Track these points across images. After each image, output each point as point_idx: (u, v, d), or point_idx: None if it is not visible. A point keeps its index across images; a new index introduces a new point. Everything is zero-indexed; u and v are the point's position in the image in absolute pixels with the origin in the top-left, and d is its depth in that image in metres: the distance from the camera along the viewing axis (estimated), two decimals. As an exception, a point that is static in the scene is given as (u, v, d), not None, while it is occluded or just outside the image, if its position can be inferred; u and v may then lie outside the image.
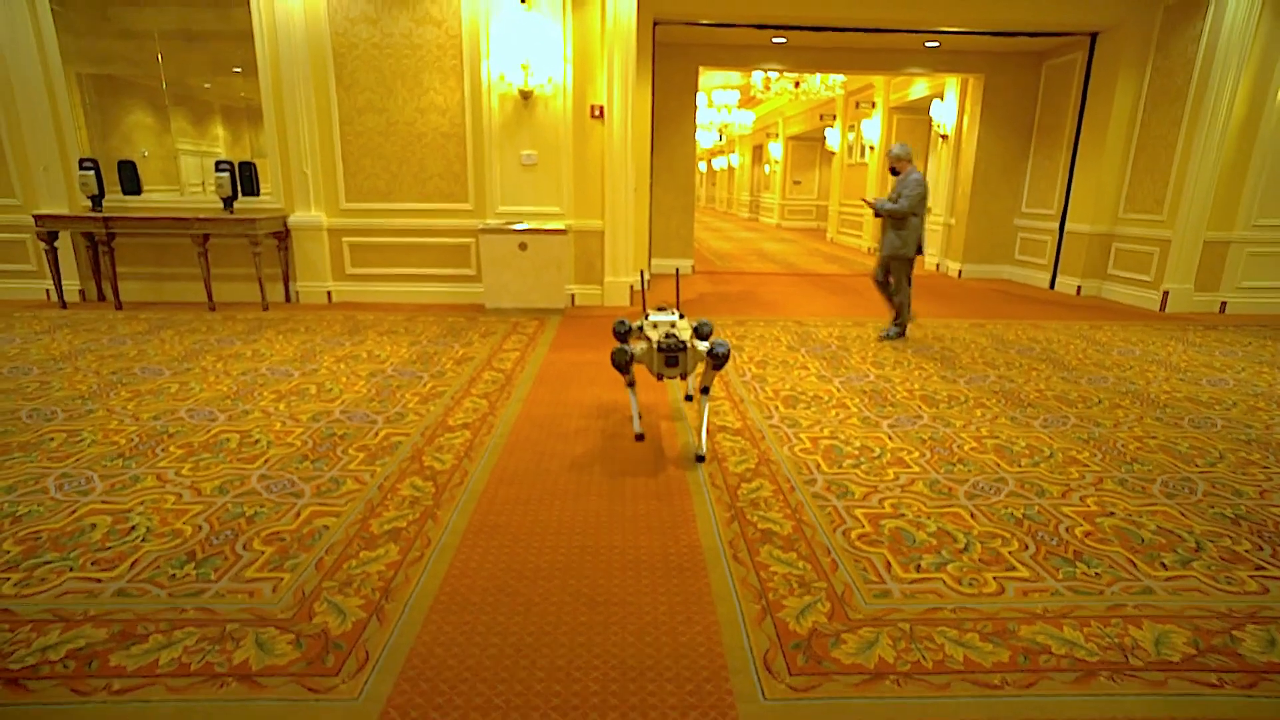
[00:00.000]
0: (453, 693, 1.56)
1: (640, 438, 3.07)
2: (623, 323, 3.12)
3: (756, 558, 2.13)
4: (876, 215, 5.02)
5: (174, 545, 2.16)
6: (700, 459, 2.84)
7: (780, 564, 2.10)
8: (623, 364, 2.82)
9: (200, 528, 2.26)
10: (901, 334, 5.24)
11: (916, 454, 2.95)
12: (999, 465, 2.86)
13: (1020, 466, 2.85)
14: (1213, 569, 2.11)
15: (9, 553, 2.11)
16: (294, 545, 2.16)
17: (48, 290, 6.04)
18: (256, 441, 2.99)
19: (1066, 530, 2.33)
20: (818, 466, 2.81)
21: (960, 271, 8.83)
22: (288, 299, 6.29)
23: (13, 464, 2.75)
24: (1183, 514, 2.47)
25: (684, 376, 2.91)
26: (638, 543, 2.22)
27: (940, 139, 9.48)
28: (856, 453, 2.96)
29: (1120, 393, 3.93)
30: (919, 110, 10.48)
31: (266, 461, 2.79)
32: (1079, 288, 7.49)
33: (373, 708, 1.51)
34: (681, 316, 3.22)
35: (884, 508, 2.46)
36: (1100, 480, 2.74)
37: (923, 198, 4.88)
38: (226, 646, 1.70)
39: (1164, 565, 2.13)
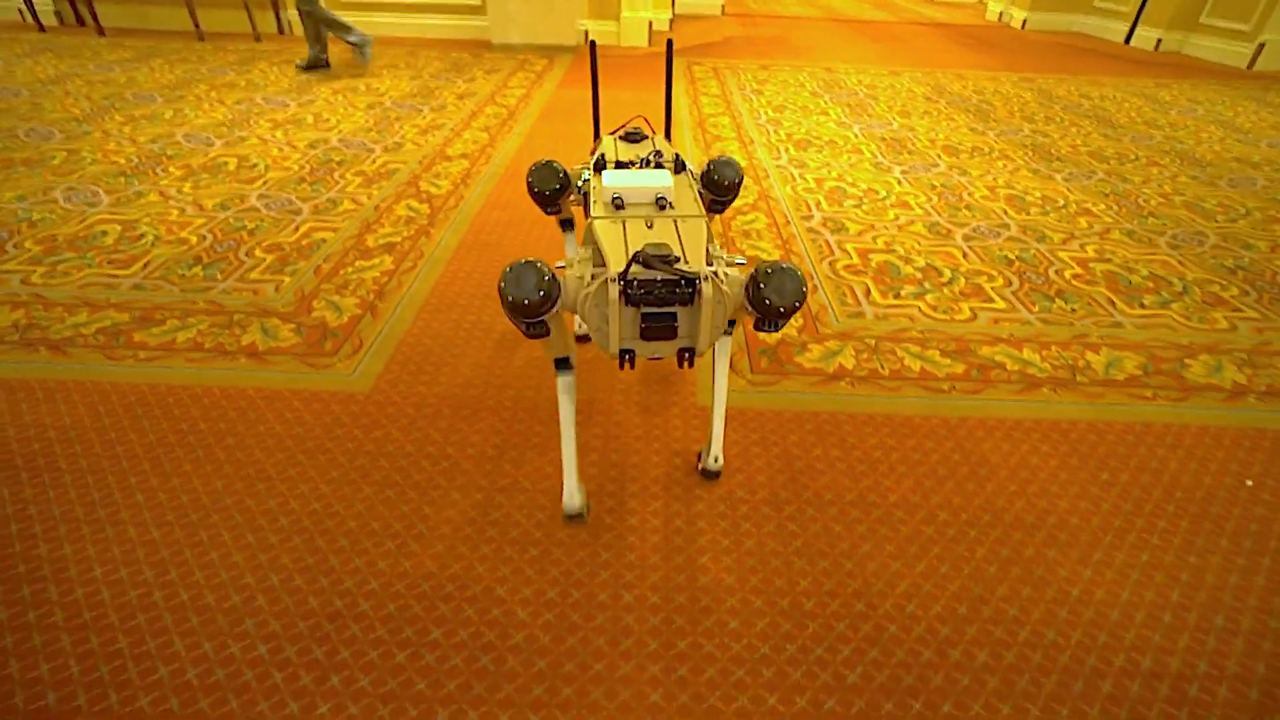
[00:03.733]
0: (437, 372, 1.71)
1: (575, 518, 1.33)
2: (548, 166, 1.39)
3: (738, 281, 2.19)
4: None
5: (181, 251, 2.25)
6: (709, 474, 1.42)
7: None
8: (527, 311, 1.03)
9: (204, 237, 2.34)
10: (325, 64, 4.72)
11: (923, 198, 2.86)
12: (1006, 212, 2.77)
13: (1028, 215, 2.76)
14: (1189, 310, 2.13)
15: (31, 250, 2.23)
16: (293, 254, 2.25)
17: (20, 10, 5.63)
18: (255, 165, 2.98)
19: (1056, 273, 2.32)
20: (818, 204, 2.75)
21: (1025, 21, 7.80)
22: (280, 30, 5.83)
23: (19, 177, 2.79)
24: (1181, 263, 2.43)
25: (690, 359, 1.12)
26: (625, 266, 2.27)
27: None
28: (860, 195, 2.87)
29: (1162, 151, 3.66)
30: None
31: (265, 183, 2.80)
32: (1159, 41, 6.64)
33: (365, 381, 1.68)
34: (682, 167, 1.34)
35: (877, 244, 2.45)
36: (1108, 230, 2.66)
37: None
38: (234, 331, 1.85)
39: (1142, 305, 2.15)
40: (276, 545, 1.25)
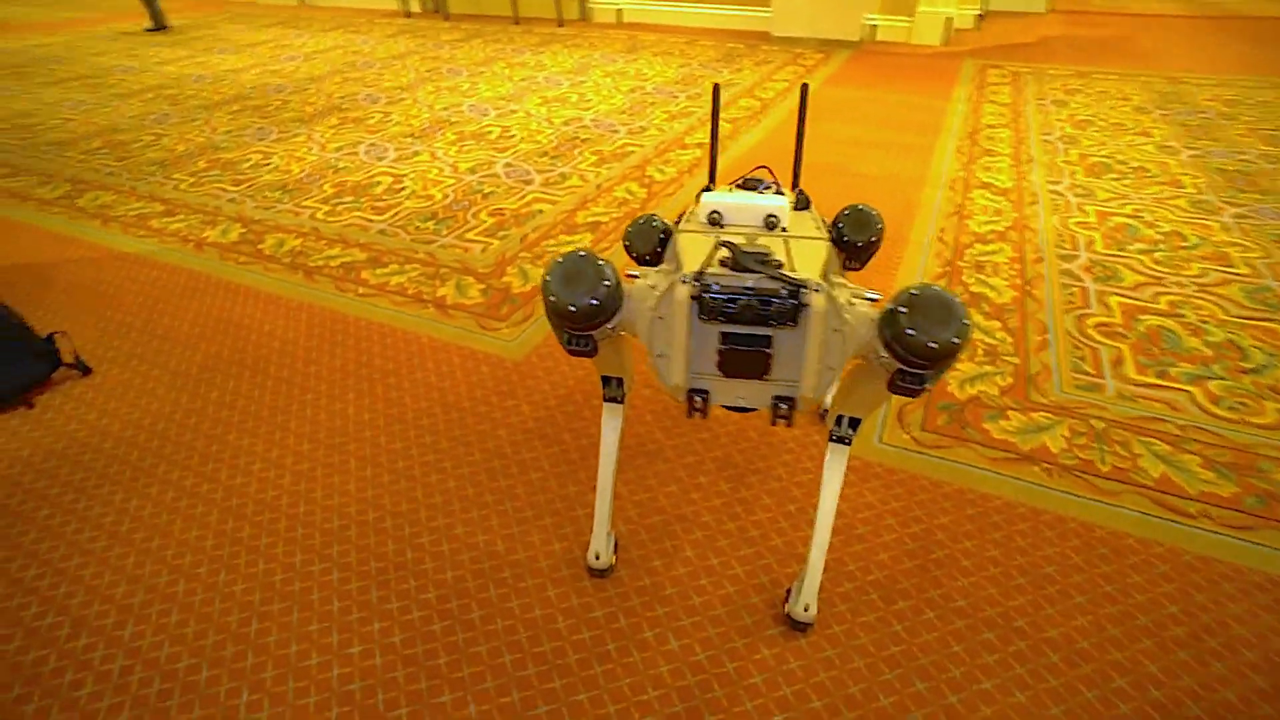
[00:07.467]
0: (582, 355, 1.72)
1: (599, 574, 1.18)
2: (648, 224, 1.03)
3: (945, 319, 1.85)
4: None
5: (425, 205, 2.57)
6: (796, 624, 1.08)
7: (975, 329, 1.80)
8: (573, 319, 0.81)
9: (447, 196, 2.64)
10: None
11: (1255, 253, 2.15)
12: (1393, 289, 1.97)
13: None
14: None
15: (326, 192, 2.72)
16: (510, 221, 2.43)
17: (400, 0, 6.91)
18: (512, 136, 3.28)
19: None
20: (1089, 243, 2.22)
21: None
22: (582, 16, 6.37)
23: (345, 132, 3.41)
24: None
25: (786, 414, 0.85)
26: (818, 279, 2.06)
27: None
28: (1158, 237, 2.25)
29: None
30: None
31: (515, 153, 3.07)
32: None
33: (521, 350, 1.74)
34: (805, 204, 1.06)
35: (1156, 303, 1.90)
36: None
37: None
38: (435, 283, 2.05)
39: None
40: (385, 485, 1.35)
